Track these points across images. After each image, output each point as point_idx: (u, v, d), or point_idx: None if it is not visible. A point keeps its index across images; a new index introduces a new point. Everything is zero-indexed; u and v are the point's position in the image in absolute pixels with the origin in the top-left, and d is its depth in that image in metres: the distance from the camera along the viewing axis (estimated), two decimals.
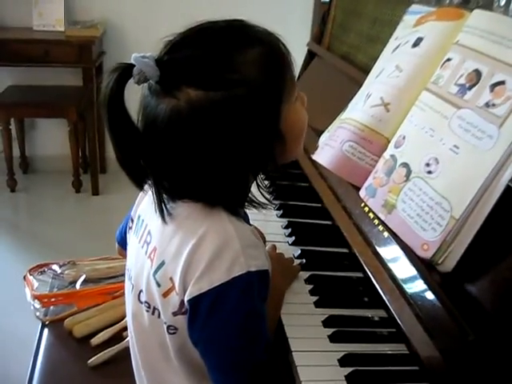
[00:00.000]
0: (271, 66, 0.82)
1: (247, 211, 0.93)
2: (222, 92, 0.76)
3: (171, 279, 0.83)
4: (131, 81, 0.78)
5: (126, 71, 0.77)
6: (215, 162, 0.79)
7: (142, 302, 0.90)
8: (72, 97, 3.22)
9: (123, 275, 1.02)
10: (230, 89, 0.76)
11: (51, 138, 3.55)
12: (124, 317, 1.26)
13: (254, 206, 0.88)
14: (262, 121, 0.80)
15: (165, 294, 0.85)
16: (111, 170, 3.56)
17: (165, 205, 0.83)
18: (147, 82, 0.78)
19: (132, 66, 0.77)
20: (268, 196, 0.89)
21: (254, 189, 0.88)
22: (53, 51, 3.05)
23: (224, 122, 0.77)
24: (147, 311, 0.89)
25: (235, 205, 0.85)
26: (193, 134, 0.77)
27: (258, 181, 0.87)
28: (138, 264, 0.92)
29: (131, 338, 0.98)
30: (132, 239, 0.98)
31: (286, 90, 0.84)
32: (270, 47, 0.83)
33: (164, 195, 0.83)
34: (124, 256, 1.06)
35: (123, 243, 1.06)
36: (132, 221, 0.99)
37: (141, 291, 0.90)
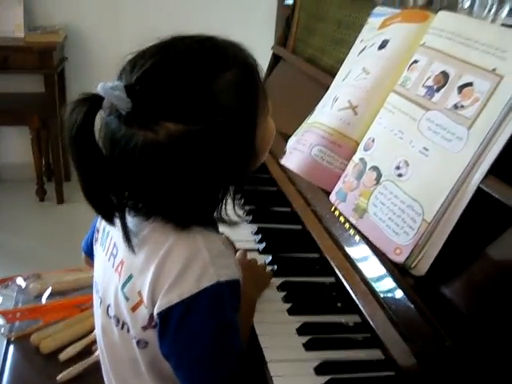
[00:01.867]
0: (247, 87, 0.80)
1: None
2: (202, 124, 0.73)
3: (139, 293, 0.82)
4: None
5: (94, 103, 0.73)
6: (192, 186, 0.77)
7: (110, 317, 0.88)
8: (34, 104, 3.15)
9: (90, 287, 0.99)
10: (210, 119, 0.74)
11: (13, 146, 3.47)
12: (92, 330, 1.23)
13: (225, 223, 0.86)
14: (241, 143, 0.79)
15: (133, 308, 0.83)
16: (76, 178, 3.48)
17: (130, 238, 0.81)
18: (117, 112, 0.73)
19: (100, 97, 0.72)
20: (240, 213, 0.88)
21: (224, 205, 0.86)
22: (12, 57, 2.98)
23: (204, 150, 0.75)
24: (116, 326, 0.87)
25: (207, 221, 0.83)
26: (171, 163, 0.74)
27: (234, 196, 0.85)
28: (105, 277, 0.90)
29: (101, 353, 0.95)
30: (98, 251, 0.95)
31: (261, 108, 0.82)
32: (244, 66, 0.81)
33: (133, 222, 0.81)
34: (91, 266, 1.03)
35: (90, 253, 1.03)
36: (98, 231, 0.97)
37: (109, 305, 0.88)
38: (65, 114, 0.74)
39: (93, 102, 0.73)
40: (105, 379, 0.97)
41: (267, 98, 0.85)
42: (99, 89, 0.72)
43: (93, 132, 0.73)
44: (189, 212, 0.80)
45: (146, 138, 0.72)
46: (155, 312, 0.80)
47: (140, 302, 0.82)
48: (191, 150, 0.74)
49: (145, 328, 0.82)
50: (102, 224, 0.95)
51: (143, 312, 0.81)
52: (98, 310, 0.93)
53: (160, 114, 0.72)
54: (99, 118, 0.75)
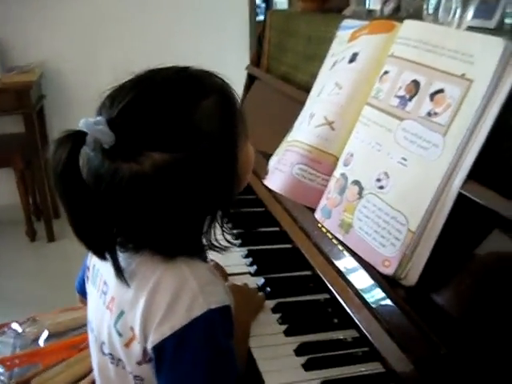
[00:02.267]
0: (226, 113, 0.81)
1: None
2: (186, 151, 0.74)
3: (131, 328, 0.81)
4: None
5: (77, 139, 0.73)
6: (178, 215, 0.77)
7: (105, 354, 0.88)
8: (16, 144, 3.15)
9: (86, 326, 0.98)
10: (194, 147, 0.75)
11: None
12: (92, 369, 1.22)
13: (216, 250, 0.86)
14: (223, 168, 0.80)
15: (127, 344, 0.82)
16: (64, 214, 3.48)
17: (122, 273, 0.81)
18: (100, 146, 0.73)
19: (82, 132, 0.73)
20: (230, 238, 0.88)
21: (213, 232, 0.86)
22: None
23: (189, 176, 0.75)
24: (112, 363, 0.87)
25: (194, 251, 0.84)
26: (157, 193, 0.75)
27: (222, 222, 0.86)
28: (98, 315, 0.90)
29: None
30: (90, 290, 0.95)
31: (240, 132, 0.83)
32: (221, 93, 0.82)
33: (122, 257, 0.81)
34: (86, 305, 1.03)
35: (83, 292, 1.02)
36: (88, 269, 0.97)
37: (103, 343, 0.88)
38: (48, 153, 0.74)
39: (76, 138, 0.73)
40: None
41: (245, 122, 0.86)
42: (81, 124, 0.73)
43: (78, 168, 0.73)
44: (176, 242, 0.81)
45: (132, 170, 0.72)
46: (149, 347, 0.79)
47: (133, 338, 0.81)
48: (177, 178, 0.74)
49: (139, 363, 0.82)
50: (91, 262, 0.95)
51: (136, 347, 0.81)
52: (93, 348, 0.93)
53: (144, 145, 0.73)
54: (81, 155, 0.75)
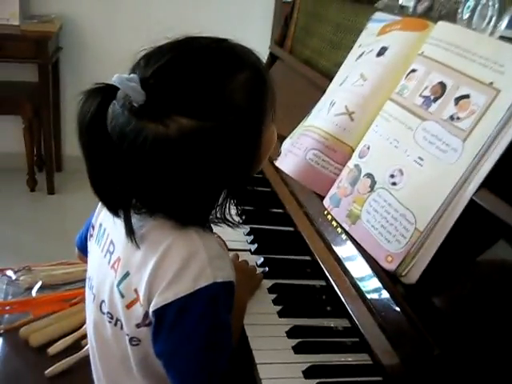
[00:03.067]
0: (257, 90, 0.81)
1: None
2: (214, 121, 0.74)
3: (136, 290, 0.82)
4: None
5: (108, 94, 0.73)
6: (198, 183, 0.78)
7: (103, 313, 0.89)
8: (27, 93, 3.13)
9: (81, 281, 1.00)
10: (223, 117, 0.75)
11: (5, 135, 3.44)
12: (82, 325, 1.24)
13: (228, 225, 0.88)
14: (247, 144, 0.80)
15: (128, 306, 0.83)
16: (67, 169, 3.49)
17: (133, 232, 0.81)
18: (130, 104, 0.73)
19: (113, 87, 0.73)
20: (238, 218, 0.89)
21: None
22: (7, 46, 2.96)
23: (213, 147, 0.76)
24: (109, 322, 0.88)
25: (204, 221, 0.85)
26: (181, 159, 0.75)
27: (234, 198, 0.86)
28: (100, 274, 0.90)
29: (92, 349, 0.96)
30: (93, 248, 0.95)
31: (268, 112, 0.84)
32: (255, 70, 0.82)
33: (133, 220, 0.82)
34: (84, 261, 1.04)
35: (83, 249, 1.03)
36: (93, 228, 0.97)
37: (103, 301, 0.89)
38: (78, 103, 0.75)
39: (106, 92, 0.74)
40: (93, 375, 0.97)
41: (274, 103, 0.86)
42: (115, 79, 0.73)
43: (105, 122, 0.74)
44: (190, 210, 0.81)
45: (157, 131, 0.73)
46: (150, 310, 0.80)
47: (136, 300, 0.82)
48: (200, 146, 0.75)
49: (138, 325, 0.83)
50: (98, 220, 0.95)
51: (138, 309, 0.82)
52: (90, 306, 0.94)
53: (173, 109, 0.73)
54: (110, 111, 0.76)
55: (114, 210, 0.82)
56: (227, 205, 0.86)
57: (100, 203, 0.96)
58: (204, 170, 0.77)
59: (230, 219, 0.87)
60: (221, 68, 0.78)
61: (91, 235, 0.98)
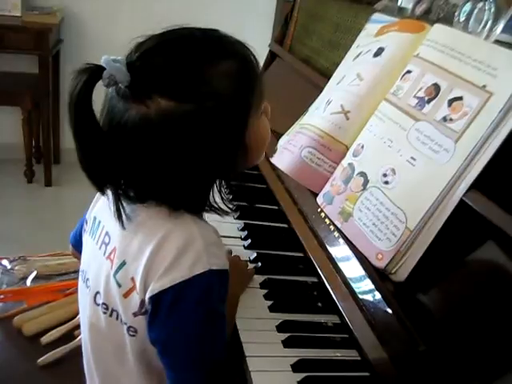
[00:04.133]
0: (242, 81, 0.82)
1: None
2: (193, 104, 0.76)
3: (132, 279, 0.83)
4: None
5: (95, 73, 0.75)
6: (180, 169, 0.79)
7: (98, 304, 0.89)
8: (27, 84, 3.13)
9: (75, 272, 1.01)
10: (201, 101, 0.76)
11: (4, 126, 3.45)
12: (76, 315, 1.25)
13: (216, 212, 0.88)
14: (229, 133, 0.81)
15: (125, 295, 0.84)
16: (65, 161, 3.50)
17: (124, 211, 0.83)
18: (116, 85, 0.76)
19: (101, 67, 0.75)
20: (229, 205, 0.89)
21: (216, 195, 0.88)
22: (8, 37, 2.97)
23: (192, 131, 0.77)
24: (104, 313, 0.88)
25: (197, 208, 0.86)
26: (160, 142, 0.77)
27: (220, 188, 0.87)
28: (95, 266, 0.91)
29: (84, 341, 0.96)
30: (88, 241, 0.96)
31: (255, 104, 0.84)
32: (243, 61, 0.83)
33: (123, 201, 0.83)
34: (78, 258, 1.05)
35: (77, 245, 1.04)
36: (86, 223, 0.98)
37: (97, 293, 0.89)
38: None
39: (93, 71, 0.75)
40: (85, 368, 0.98)
41: (263, 97, 0.87)
42: (102, 60, 0.75)
43: (90, 101, 0.75)
44: (180, 196, 0.82)
45: (139, 112, 0.75)
46: (147, 296, 0.81)
47: (132, 288, 0.83)
48: (179, 128, 0.76)
49: (135, 314, 0.84)
50: (92, 214, 0.96)
51: (135, 298, 0.83)
52: (84, 298, 0.94)
53: (154, 89, 0.75)
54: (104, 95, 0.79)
55: (100, 188, 0.83)
56: (218, 191, 0.87)
57: (95, 198, 0.98)
58: (186, 154, 0.78)
59: (219, 207, 0.88)
60: (203, 54, 0.79)
61: (85, 230, 0.98)
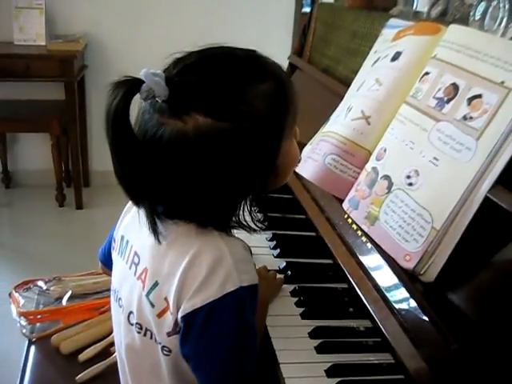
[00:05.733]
0: (279, 102, 0.83)
1: None
2: (230, 123, 0.76)
3: (166, 299, 0.84)
4: None
5: (133, 86, 0.75)
6: (212, 186, 0.80)
7: (132, 324, 0.90)
8: (54, 111, 3.20)
9: (109, 290, 1.02)
10: (238, 121, 0.77)
11: (34, 153, 3.54)
12: (111, 332, 1.26)
13: (244, 229, 0.89)
14: (263, 154, 0.82)
15: (159, 315, 0.85)
16: (95, 184, 3.56)
17: (157, 225, 0.83)
18: (153, 99, 0.77)
19: (140, 81, 0.75)
20: (258, 223, 0.90)
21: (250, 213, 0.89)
22: (34, 65, 3.04)
23: (227, 150, 0.77)
24: (139, 333, 0.89)
25: (225, 226, 0.86)
26: (194, 158, 0.77)
27: (250, 207, 0.88)
28: (126, 285, 0.92)
29: (120, 360, 0.98)
30: (117, 260, 0.97)
31: (289, 127, 0.85)
32: (280, 83, 0.84)
33: (156, 216, 0.83)
34: (108, 274, 1.06)
35: (107, 262, 1.05)
36: (114, 241, 0.99)
37: (131, 312, 0.90)
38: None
39: (132, 84, 0.75)
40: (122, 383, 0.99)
41: (295, 120, 0.88)
42: (141, 73, 0.75)
43: (128, 113, 0.75)
44: (209, 213, 0.83)
45: (175, 127, 0.76)
46: (179, 316, 0.82)
47: (166, 309, 0.84)
48: (215, 146, 0.77)
49: (169, 334, 0.84)
50: (119, 233, 0.97)
51: (169, 318, 0.84)
52: (117, 318, 0.96)
53: (192, 106, 0.76)
54: (138, 107, 0.79)
55: (136, 201, 0.84)
56: (248, 211, 0.87)
57: (121, 216, 0.99)
58: (218, 173, 0.78)
59: (248, 225, 0.89)
60: (244, 74, 0.80)
61: (113, 248, 1.00)
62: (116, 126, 0.75)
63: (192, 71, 0.78)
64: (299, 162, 1.29)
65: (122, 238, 0.96)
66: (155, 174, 0.79)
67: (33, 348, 1.32)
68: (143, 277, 0.87)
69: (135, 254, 0.91)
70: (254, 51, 0.85)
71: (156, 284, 0.85)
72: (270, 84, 0.82)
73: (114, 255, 0.99)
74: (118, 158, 0.78)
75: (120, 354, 0.97)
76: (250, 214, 0.89)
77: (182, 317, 0.82)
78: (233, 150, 0.78)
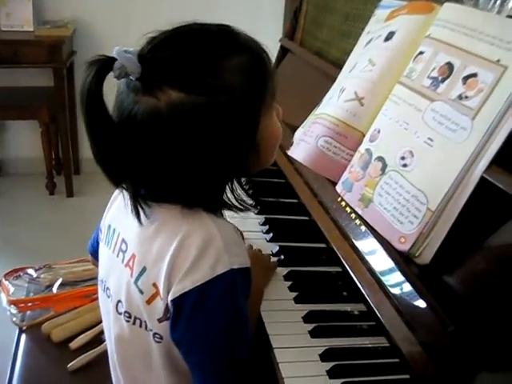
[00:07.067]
0: (255, 76, 0.81)
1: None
2: (203, 97, 0.74)
3: (154, 285, 0.82)
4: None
5: (106, 64, 0.74)
6: (189, 164, 0.78)
7: (120, 313, 0.89)
8: (43, 97, 3.16)
9: None
10: (212, 94, 0.75)
11: (23, 140, 3.50)
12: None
13: (233, 210, 0.87)
14: (240, 130, 0.79)
15: (149, 301, 0.83)
16: (85, 172, 3.53)
17: (141, 206, 0.82)
18: (127, 77, 0.75)
19: (113, 59, 0.74)
20: (244, 204, 0.88)
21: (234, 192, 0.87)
22: (22, 52, 2.99)
23: (202, 125, 0.76)
24: (127, 321, 0.88)
25: (213, 207, 0.84)
26: (170, 135, 0.75)
27: (234, 186, 0.86)
28: (114, 274, 0.91)
29: (110, 350, 0.96)
30: (103, 250, 0.96)
31: (267, 102, 0.83)
32: (256, 57, 0.82)
33: (139, 198, 0.82)
34: (97, 266, 1.03)
35: (95, 254, 1.04)
36: (101, 231, 0.98)
37: (119, 301, 0.89)
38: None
39: (104, 62, 0.74)
40: (112, 375, 0.98)
41: (274, 96, 0.86)
42: (114, 51, 0.74)
43: (101, 92, 0.74)
44: (192, 193, 0.81)
45: (149, 104, 0.74)
46: (169, 299, 0.80)
47: (156, 294, 0.82)
48: (189, 121, 0.75)
49: (160, 320, 0.83)
50: (105, 223, 0.96)
51: (159, 304, 0.82)
52: (105, 308, 0.94)
53: (164, 81, 0.74)
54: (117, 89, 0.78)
55: (116, 184, 0.83)
56: (226, 190, 0.86)
57: (107, 206, 0.98)
58: (195, 149, 0.76)
59: (235, 205, 0.87)
60: (217, 47, 0.78)
61: (100, 238, 0.98)
62: (89, 105, 0.74)
63: (164, 47, 0.77)
64: (291, 144, 1.27)
65: (109, 227, 0.94)
66: (133, 155, 0.77)
67: (23, 336, 1.31)
68: (131, 263, 0.86)
69: (123, 241, 0.89)
70: (228, 26, 0.83)
71: (144, 269, 0.84)
72: (244, 58, 0.80)
73: (101, 245, 0.97)
74: (94, 138, 0.76)
75: (110, 344, 0.96)
76: (232, 192, 0.86)
77: (172, 300, 0.80)
78: (207, 124, 0.76)
